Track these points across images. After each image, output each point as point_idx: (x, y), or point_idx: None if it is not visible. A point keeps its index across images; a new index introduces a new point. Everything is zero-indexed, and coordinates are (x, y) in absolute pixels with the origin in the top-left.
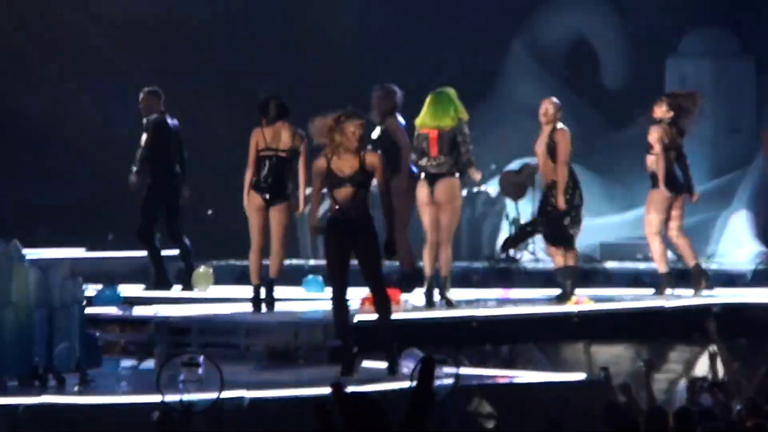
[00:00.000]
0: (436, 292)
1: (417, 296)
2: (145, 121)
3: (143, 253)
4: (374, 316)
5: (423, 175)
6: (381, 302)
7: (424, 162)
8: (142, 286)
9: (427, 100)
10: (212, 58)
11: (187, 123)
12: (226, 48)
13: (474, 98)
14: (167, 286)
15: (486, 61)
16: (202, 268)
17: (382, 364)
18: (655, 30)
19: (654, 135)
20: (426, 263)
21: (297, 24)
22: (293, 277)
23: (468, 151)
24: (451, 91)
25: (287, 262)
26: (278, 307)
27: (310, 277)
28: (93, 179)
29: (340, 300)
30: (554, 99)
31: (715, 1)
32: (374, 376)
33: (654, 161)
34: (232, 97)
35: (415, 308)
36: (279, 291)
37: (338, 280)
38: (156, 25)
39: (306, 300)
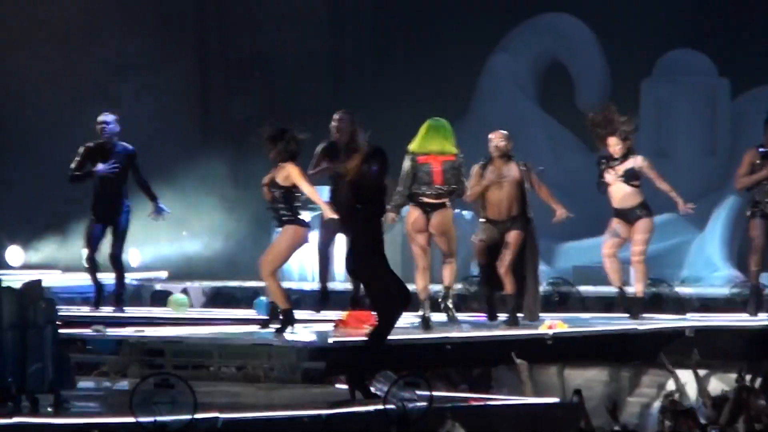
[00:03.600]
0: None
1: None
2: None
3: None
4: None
5: (417, 202)
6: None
7: (423, 190)
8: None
9: (425, 126)
10: None
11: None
12: None
13: (450, 118)
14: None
15: (463, 77)
16: (179, 294)
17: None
18: (631, 52)
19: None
20: (419, 288)
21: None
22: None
23: (466, 188)
24: (447, 124)
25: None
26: (250, 329)
27: (262, 298)
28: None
29: None
30: (504, 132)
31: (691, 25)
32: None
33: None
34: None
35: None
36: (251, 313)
37: None
38: None
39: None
